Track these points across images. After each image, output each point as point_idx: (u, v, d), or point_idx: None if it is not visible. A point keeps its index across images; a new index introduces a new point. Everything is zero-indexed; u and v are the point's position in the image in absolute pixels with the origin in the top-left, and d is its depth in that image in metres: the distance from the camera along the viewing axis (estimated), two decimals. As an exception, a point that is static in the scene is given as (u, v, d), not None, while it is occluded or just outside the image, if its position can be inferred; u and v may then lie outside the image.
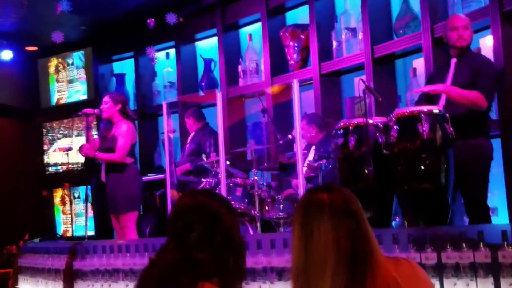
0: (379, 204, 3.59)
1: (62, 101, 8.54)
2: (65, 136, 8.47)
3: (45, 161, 8.63)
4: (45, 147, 8.63)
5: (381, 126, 3.61)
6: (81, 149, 5.64)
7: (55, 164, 8.58)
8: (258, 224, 4.95)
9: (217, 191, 5.00)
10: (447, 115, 3.48)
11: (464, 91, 3.83)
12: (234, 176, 5.36)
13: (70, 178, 8.28)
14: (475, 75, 3.91)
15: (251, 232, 4.97)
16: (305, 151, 5.28)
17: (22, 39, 7.88)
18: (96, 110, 5.50)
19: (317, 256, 1.74)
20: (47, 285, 5.18)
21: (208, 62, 7.15)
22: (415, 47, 5.29)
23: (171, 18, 6.79)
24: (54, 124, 8.55)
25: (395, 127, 3.48)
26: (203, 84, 7.17)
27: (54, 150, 8.48)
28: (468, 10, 4.82)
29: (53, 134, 8.57)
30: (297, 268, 1.78)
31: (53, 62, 8.58)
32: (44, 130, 8.67)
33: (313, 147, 5.45)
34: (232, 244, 1.91)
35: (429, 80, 4.33)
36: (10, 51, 7.79)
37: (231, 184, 5.08)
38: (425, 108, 3.49)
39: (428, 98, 4.11)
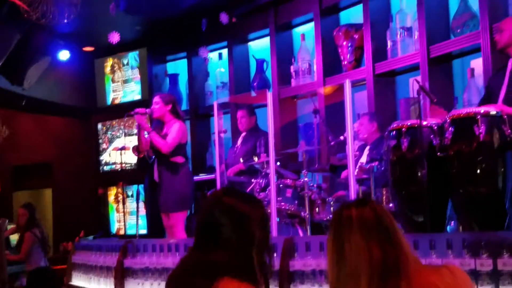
0: (433, 208, 3.48)
1: (117, 101, 8.69)
2: (125, 135, 8.59)
3: (103, 160, 8.79)
4: (104, 145, 8.79)
5: (436, 127, 3.50)
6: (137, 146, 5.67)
7: (111, 163, 8.72)
8: (308, 226, 4.89)
9: (267, 192, 4.98)
10: (505, 116, 3.34)
11: None
12: (285, 177, 5.32)
13: (124, 176, 8.42)
14: None
15: (301, 234, 4.92)
16: (357, 153, 5.18)
17: (79, 39, 8.06)
18: (147, 110, 5.55)
19: (350, 269, 1.77)
20: (99, 282, 5.26)
21: (260, 63, 7.14)
22: (473, 47, 5.13)
23: (224, 18, 6.82)
24: (114, 123, 8.69)
25: (450, 128, 3.37)
26: (255, 84, 7.16)
27: (114, 149, 8.62)
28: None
29: (113, 133, 8.72)
30: (333, 282, 1.82)
31: (109, 62, 8.74)
32: (104, 128, 8.83)
33: (367, 148, 5.36)
34: (255, 240, 1.91)
35: (489, 81, 4.21)
36: (67, 51, 7.97)
37: (281, 185, 5.05)
38: (481, 109, 3.36)
39: (489, 100, 3.97)
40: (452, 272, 1.80)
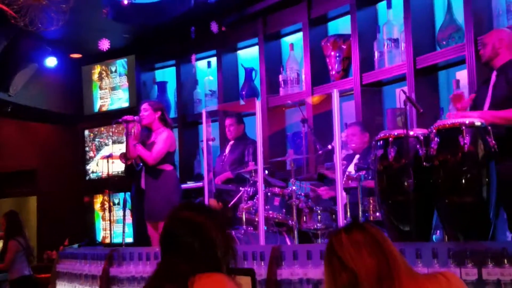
0: (419, 218, 3.51)
1: (104, 108, 8.67)
2: (113, 142, 8.55)
3: (90, 168, 8.74)
4: (91, 153, 8.75)
5: (422, 138, 3.55)
6: (125, 152, 5.66)
7: (97, 171, 8.68)
8: (296, 235, 4.91)
9: (255, 200, 4.99)
10: (489, 128, 3.39)
11: (499, 112, 3.74)
12: (273, 185, 5.34)
13: (111, 184, 8.38)
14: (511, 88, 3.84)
15: (288, 242, 4.93)
16: (345, 162, 5.21)
17: (66, 46, 8.04)
18: (136, 117, 5.56)
19: (349, 282, 1.81)
20: (84, 291, 5.23)
21: (249, 71, 7.17)
22: (458, 59, 5.20)
23: (214, 27, 6.84)
24: (102, 129, 8.65)
25: (436, 139, 3.41)
26: (243, 93, 7.18)
27: (102, 157, 8.55)
28: (514, 21, 4.72)
29: (101, 140, 8.68)
30: None
31: (97, 69, 8.73)
32: (91, 135, 8.79)
33: (357, 157, 5.39)
34: (217, 244, 2.07)
35: (475, 93, 4.27)
36: (54, 58, 7.94)
37: (269, 194, 5.06)
38: (466, 120, 3.41)
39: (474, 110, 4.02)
40: (448, 279, 1.84)
